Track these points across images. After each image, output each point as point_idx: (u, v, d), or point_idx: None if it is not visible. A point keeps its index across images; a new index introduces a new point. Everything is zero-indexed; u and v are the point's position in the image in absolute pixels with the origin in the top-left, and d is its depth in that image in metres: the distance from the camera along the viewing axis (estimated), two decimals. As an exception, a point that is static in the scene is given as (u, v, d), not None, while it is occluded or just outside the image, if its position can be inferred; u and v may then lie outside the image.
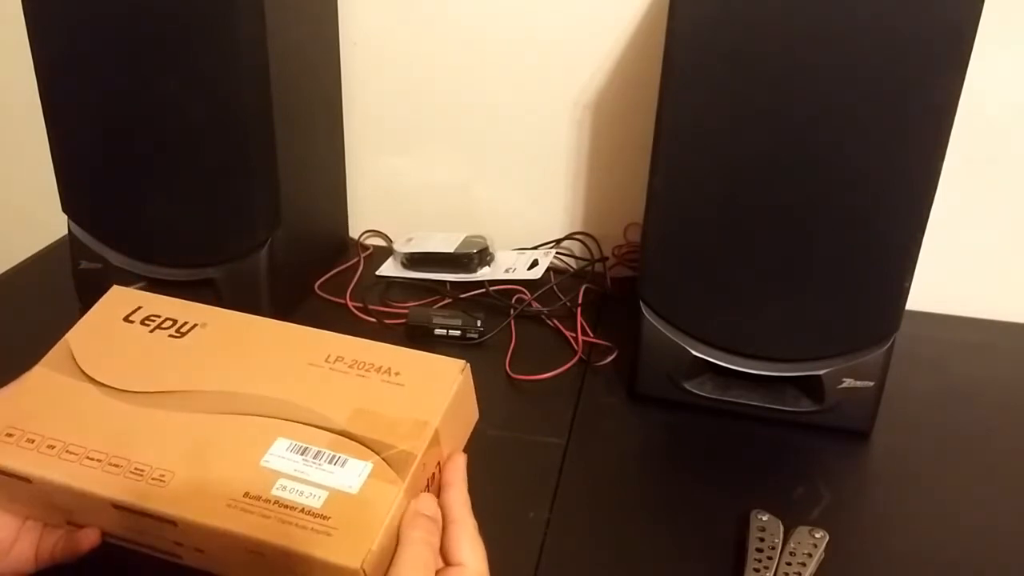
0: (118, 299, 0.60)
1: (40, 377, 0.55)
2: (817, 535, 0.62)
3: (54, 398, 0.54)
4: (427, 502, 0.49)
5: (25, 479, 0.50)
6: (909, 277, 0.70)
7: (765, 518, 0.63)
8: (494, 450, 0.72)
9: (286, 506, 0.46)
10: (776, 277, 0.72)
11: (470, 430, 0.56)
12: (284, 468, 0.48)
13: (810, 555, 0.61)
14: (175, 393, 0.53)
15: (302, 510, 0.46)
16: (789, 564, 0.60)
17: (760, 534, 0.62)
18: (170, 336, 0.57)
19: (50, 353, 0.56)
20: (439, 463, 0.52)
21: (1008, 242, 0.95)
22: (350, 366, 0.54)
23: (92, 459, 0.50)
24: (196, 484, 0.48)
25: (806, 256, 0.70)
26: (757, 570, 0.59)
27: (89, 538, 0.52)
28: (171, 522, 0.47)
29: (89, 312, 0.59)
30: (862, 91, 0.64)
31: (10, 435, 0.51)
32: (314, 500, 0.47)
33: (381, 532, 0.45)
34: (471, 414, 0.56)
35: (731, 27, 0.65)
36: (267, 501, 0.47)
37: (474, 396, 0.56)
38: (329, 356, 0.55)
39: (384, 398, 0.52)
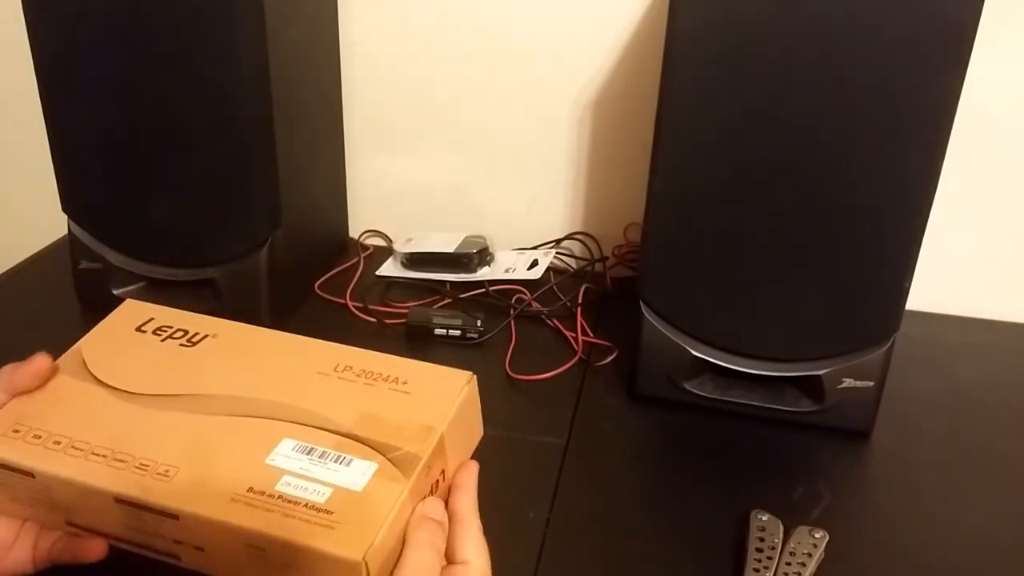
0: (131, 311, 0.62)
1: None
2: (817, 535, 0.62)
3: (62, 398, 0.55)
4: (433, 506, 0.49)
5: (28, 473, 0.51)
6: (909, 277, 0.70)
7: (765, 518, 0.63)
8: (494, 450, 0.72)
9: (289, 501, 0.47)
10: (776, 277, 0.72)
11: (474, 446, 0.57)
12: (289, 466, 0.49)
13: (810, 555, 0.61)
14: (183, 396, 0.54)
15: (305, 505, 0.47)
16: (789, 564, 0.60)
17: (760, 534, 0.62)
18: (181, 345, 0.59)
19: (62, 358, 0.57)
20: (443, 471, 0.52)
21: (1008, 242, 0.95)
22: (358, 375, 0.55)
23: (97, 455, 0.51)
24: (200, 479, 0.49)
25: (806, 256, 0.70)
26: (757, 570, 0.59)
27: (96, 550, 0.52)
28: (173, 516, 0.48)
29: (102, 321, 0.61)
30: (862, 90, 0.64)
31: (16, 431, 0.52)
32: (318, 496, 0.47)
33: (385, 527, 0.45)
34: (476, 429, 0.57)
35: (731, 27, 0.65)
36: (271, 496, 0.47)
37: (479, 410, 0.57)
38: (338, 366, 0.56)
39: (391, 404, 0.53)
